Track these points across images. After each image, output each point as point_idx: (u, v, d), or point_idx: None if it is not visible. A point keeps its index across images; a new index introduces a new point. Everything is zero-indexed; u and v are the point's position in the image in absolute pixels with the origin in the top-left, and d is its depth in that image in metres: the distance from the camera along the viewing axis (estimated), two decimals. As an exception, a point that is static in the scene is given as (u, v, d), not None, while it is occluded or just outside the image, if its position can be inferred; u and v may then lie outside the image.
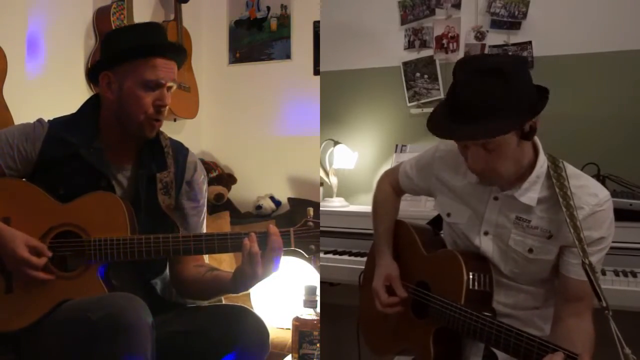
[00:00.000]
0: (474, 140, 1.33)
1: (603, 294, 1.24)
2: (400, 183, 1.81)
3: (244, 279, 1.56)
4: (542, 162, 1.44)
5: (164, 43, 1.68)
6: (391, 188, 1.85)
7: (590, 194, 1.39)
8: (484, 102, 1.29)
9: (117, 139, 1.67)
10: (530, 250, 1.46)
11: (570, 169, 1.45)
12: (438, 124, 1.41)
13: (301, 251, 1.59)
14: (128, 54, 1.61)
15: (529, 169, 1.43)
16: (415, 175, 1.75)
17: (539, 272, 1.50)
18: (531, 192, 1.43)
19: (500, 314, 1.51)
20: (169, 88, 1.65)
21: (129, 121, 1.63)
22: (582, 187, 1.41)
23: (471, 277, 1.47)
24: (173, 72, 1.65)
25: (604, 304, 1.23)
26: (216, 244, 1.58)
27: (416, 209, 2.05)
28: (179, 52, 1.70)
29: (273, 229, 1.56)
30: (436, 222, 1.81)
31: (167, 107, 1.65)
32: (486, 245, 1.53)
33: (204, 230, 1.80)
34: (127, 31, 1.80)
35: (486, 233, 1.53)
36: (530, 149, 1.43)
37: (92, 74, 1.72)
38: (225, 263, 2.64)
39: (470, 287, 1.46)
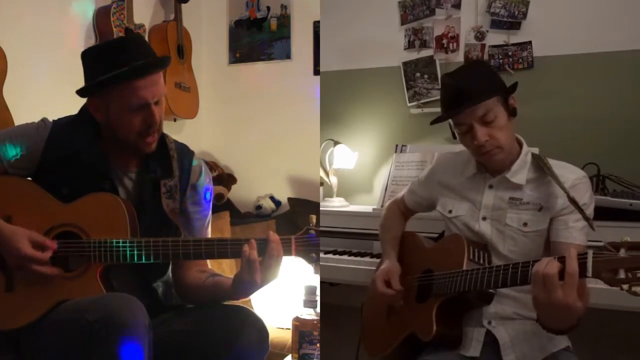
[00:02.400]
0: (474, 104, 1.58)
1: (585, 213, 1.53)
2: (406, 201, 1.98)
3: (243, 286, 1.57)
4: (526, 151, 1.69)
5: (142, 64, 1.57)
6: (398, 209, 2.01)
7: (571, 172, 1.64)
8: (474, 83, 1.60)
9: (118, 144, 1.66)
10: (525, 224, 1.64)
11: (551, 161, 1.67)
12: (442, 115, 1.68)
13: (302, 259, 1.59)
14: (107, 82, 1.56)
15: (516, 157, 1.67)
16: (418, 188, 1.94)
17: (535, 247, 1.65)
18: (520, 174, 1.66)
19: (500, 294, 1.61)
20: (157, 102, 1.61)
21: (122, 140, 1.63)
22: (562, 168, 1.65)
23: (472, 249, 1.62)
24: (158, 87, 1.60)
25: (589, 221, 1.52)
26: (216, 249, 1.58)
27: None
28: (161, 63, 1.64)
29: (273, 236, 1.55)
30: (441, 238, 1.88)
31: (159, 122, 1.62)
32: (485, 228, 1.68)
33: (209, 235, 1.80)
34: (103, 54, 1.64)
35: (484, 218, 1.69)
36: (515, 143, 1.68)
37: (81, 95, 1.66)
38: (224, 264, 2.64)
39: (471, 257, 1.60)
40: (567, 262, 1.27)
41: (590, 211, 1.60)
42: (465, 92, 1.59)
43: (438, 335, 1.57)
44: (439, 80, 2.73)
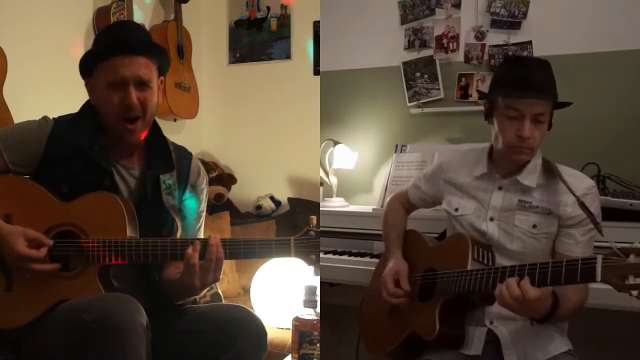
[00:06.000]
0: (542, 98, 1.60)
1: (595, 219, 1.53)
2: (410, 196, 1.98)
3: (185, 287, 1.57)
4: (538, 154, 1.69)
5: (120, 40, 1.61)
6: (400, 205, 2.00)
7: (580, 181, 1.64)
8: (546, 79, 1.64)
9: (119, 139, 1.67)
10: (534, 226, 1.65)
11: (560, 167, 1.67)
12: (504, 89, 1.64)
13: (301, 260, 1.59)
14: (92, 59, 1.62)
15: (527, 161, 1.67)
16: (423, 184, 1.93)
17: (543, 249, 1.67)
18: (531, 177, 1.67)
19: None
20: (140, 85, 1.61)
21: (107, 124, 1.64)
22: (572, 176, 1.66)
23: (476, 249, 1.62)
24: (139, 68, 1.60)
25: (598, 225, 1.52)
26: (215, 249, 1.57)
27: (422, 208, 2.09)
28: (147, 47, 1.64)
29: (214, 239, 1.55)
30: (443, 237, 1.89)
31: (139, 106, 1.60)
32: (492, 229, 1.69)
33: (201, 235, 1.79)
34: (98, 36, 1.75)
35: (492, 219, 1.70)
36: None
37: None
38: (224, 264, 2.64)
39: (475, 257, 1.60)
40: (505, 291, 1.40)
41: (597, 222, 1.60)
42: (537, 82, 1.60)
43: (440, 335, 1.58)
44: (439, 80, 2.73)
